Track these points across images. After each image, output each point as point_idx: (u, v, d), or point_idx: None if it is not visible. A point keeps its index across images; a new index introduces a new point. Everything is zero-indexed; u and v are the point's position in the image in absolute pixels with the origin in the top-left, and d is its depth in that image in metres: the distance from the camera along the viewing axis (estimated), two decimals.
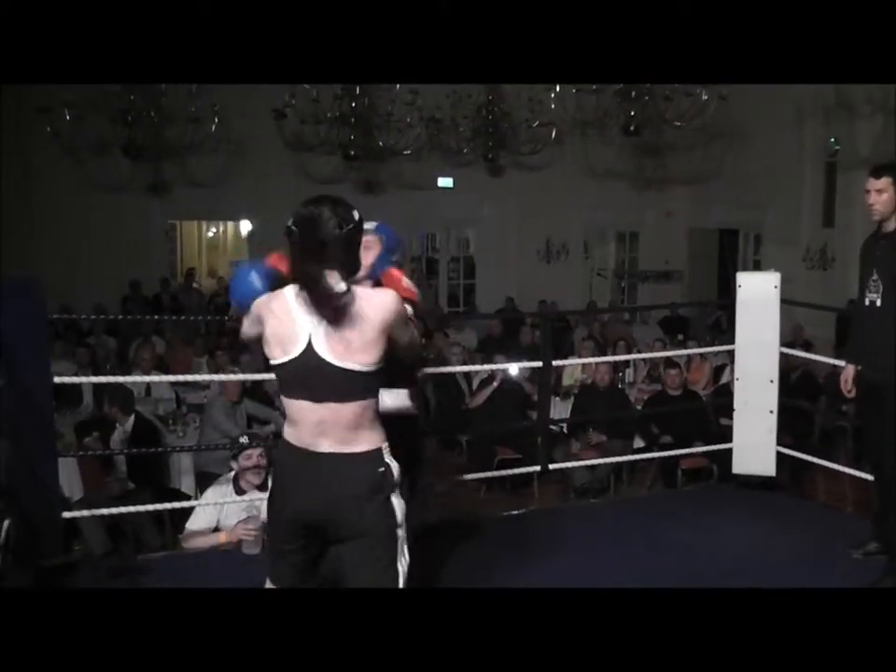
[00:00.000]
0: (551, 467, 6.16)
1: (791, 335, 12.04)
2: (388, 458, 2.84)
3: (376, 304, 2.76)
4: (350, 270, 2.77)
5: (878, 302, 4.57)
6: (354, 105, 11.86)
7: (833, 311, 11.95)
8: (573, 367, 9.42)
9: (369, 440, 2.82)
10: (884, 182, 4.47)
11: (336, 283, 2.70)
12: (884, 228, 4.58)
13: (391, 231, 3.63)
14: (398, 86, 11.59)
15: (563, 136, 13.58)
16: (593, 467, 7.82)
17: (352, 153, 12.50)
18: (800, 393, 9.69)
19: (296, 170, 14.22)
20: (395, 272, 3.26)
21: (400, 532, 2.83)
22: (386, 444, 2.85)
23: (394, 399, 3.61)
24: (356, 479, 2.78)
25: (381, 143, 12.72)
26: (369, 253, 3.29)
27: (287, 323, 2.75)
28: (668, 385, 8.46)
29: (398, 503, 2.83)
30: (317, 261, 2.71)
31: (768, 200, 15.10)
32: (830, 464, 6.49)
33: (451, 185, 15.94)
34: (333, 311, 2.70)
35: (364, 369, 2.74)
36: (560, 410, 8.91)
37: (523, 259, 16.58)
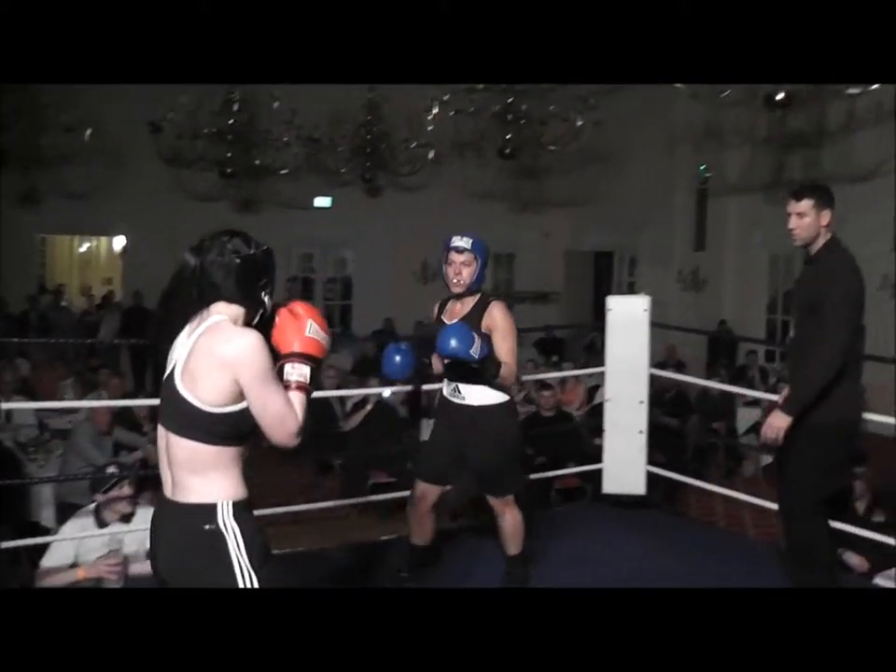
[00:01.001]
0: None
1: (665, 355, 12.33)
2: (226, 518, 2.57)
3: (227, 341, 2.53)
4: (241, 300, 2.64)
5: (791, 334, 4.51)
6: (232, 121, 11.70)
7: (702, 333, 12.29)
8: None
9: (203, 491, 2.57)
10: (805, 205, 4.15)
11: (215, 314, 2.61)
12: (810, 252, 4.27)
13: (483, 246, 4.26)
14: (276, 103, 11.49)
15: (441, 158, 13.67)
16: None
17: (229, 171, 12.34)
18: (673, 412, 9.92)
19: (172, 185, 13.95)
20: (299, 312, 2.72)
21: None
22: (232, 503, 2.57)
23: None
24: (179, 532, 2.60)
25: (258, 161, 12.59)
26: (466, 269, 4.24)
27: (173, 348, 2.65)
28: (542, 406, 8.53)
29: (239, 569, 2.56)
30: (199, 292, 2.61)
31: (642, 224, 15.48)
32: (699, 482, 6.63)
33: (328, 205, 15.88)
34: (195, 341, 2.57)
35: (203, 406, 2.52)
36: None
37: (400, 280, 16.57)
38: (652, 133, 14.50)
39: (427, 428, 8.93)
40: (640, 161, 15.07)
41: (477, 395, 4.37)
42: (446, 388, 4.53)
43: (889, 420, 4.87)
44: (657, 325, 6.12)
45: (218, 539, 2.55)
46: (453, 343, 3.97)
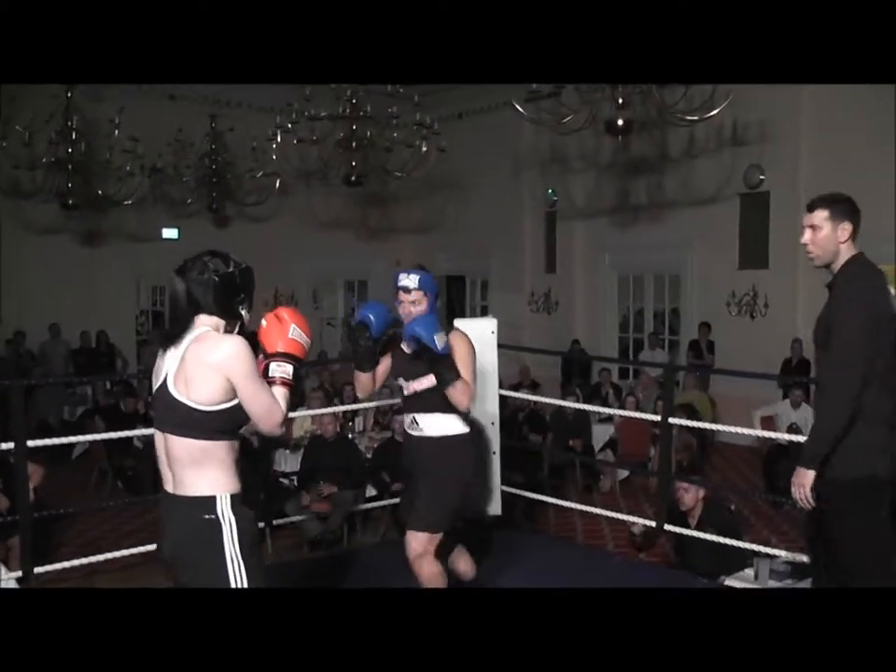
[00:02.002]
0: (276, 522, 6.01)
1: (519, 376, 12.47)
2: (224, 509, 2.90)
3: (215, 348, 2.89)
4: (220, 313, 3.01)
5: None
6: (70, 150, 11.33)
7: (553, 353, 12.47)
8: (303, 418, 9.29)
9: (202, 485, 2.91)
10: (818, 217, 3.70)
11: (199, 326, 2.98)
12: (831, 273, 3.76)
13: (430, 280, 4.28)
14: (116, 132, 11.18)
15: (287, 187, 13.59)
16: (325, 518, 7.73)
17: (70, 202, 11.89)
18: (528, 431, 10.03)
19: (12, 217, 13.38)
20: (284, 317, 3.15)
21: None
22: (229, 495, 2.92)
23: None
24: (179, 523, 2.93)
25: (100, 192, 12.21)
26: (416, 307, 4.25)
27: (160, 360, 3.03)
28: (397, 431, 8.49)
29: (230, 558, 2.88)
30: (183, 306, 3.00)
31: (492, 248, 15.66)
32: (554, 500, 6.70)
33: (176, 236, 15.51)
34: (184, 351, 2.93)
35: (199, 407, 2.87)
36: (291, 462, 8.76)
37: (252, 311, 16.29)
38: (499, 159, 14.72)
39: (285, 459, 8.81)
40: (488, 186, 15.27)
41: (435, 426, 4.34)
42: (406, 422, 4.48)
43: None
44: (505, 346, 6.16)
45: (216, 528, 2.88)
46: (418, 328, 4.05)
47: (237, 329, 3.07)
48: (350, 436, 9.18)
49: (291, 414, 8.80)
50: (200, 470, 2.91)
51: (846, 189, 10.73)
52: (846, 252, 3.66)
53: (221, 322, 3.03)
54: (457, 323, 5.99)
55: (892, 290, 3.70)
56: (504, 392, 6.27)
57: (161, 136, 12.10)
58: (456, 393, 4.16)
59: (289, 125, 10.69)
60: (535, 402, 9.79)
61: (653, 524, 5.83)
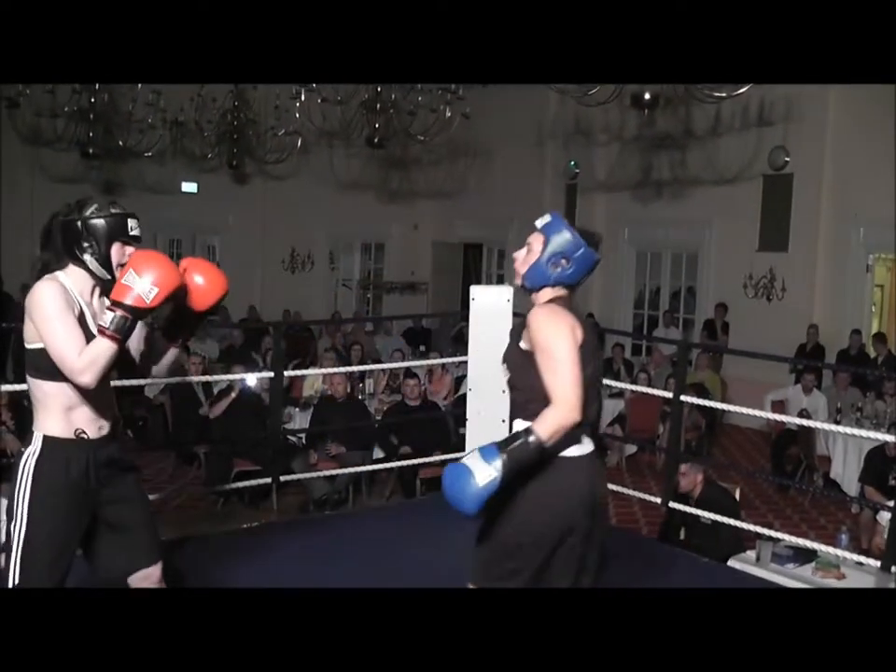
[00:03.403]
0: (283, 478, 6.03)
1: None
2: (32, 449, 2.98)
3: (29, 293, 2.95)
4: (56, 255, 3.05)
5: None
6: (93, 100, 11.30)
7: None
8: (314, 377, 9.32)
9: (35, 422, 3.02)
10: None
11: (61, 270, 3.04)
12: None
13: (559, 230, 3.07)
14: (139, 84, 11.14)
15: (309, 146, 13.52)
16: (332, 478, 7.76)
17: (91, 151, 11.87)
18: None
19: (31, 166, 13.39)
20: (146, 255, 2.94)
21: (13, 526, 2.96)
22: (42, 436, 2.97)
23: None
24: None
25: (121, 142, 12.18)
26: (528, 255, 3.11)
27: None
28: (407, 395, 8.51)
29: (18, 498, 2.96)
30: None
31: (511, 216, 15.57)
32: None
33: (195, 190, 15.52)
34: None
35: (25, 344, 2.98)
36: (300, 420, 8.80)
37: (267, 269, 16.31)
38: (522, 128, 14.61)
39: (295, 417, 8.85)
40: (510, 154, 15.17)
41: None
42: None
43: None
44: (520, 315, 6.13)
45: (19, 465, 2.98)
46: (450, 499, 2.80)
47: (95, 279, 3.04)
48: (361, 397, 9.20)
49: (301, 372, 8.94)
50: (35, 408, 3.01)
51: (870, 175, 10.71)
52: None
53: (77, 271, 3.03)
54: (473, 290, 6.01)
55: None
56: None
57: (184, 90, 12.02)
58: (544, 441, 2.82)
59: (314, 84, 10.62)
60: None
61: (658, 500, 5.84)
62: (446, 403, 9.50)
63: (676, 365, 7.11)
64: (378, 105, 10.79)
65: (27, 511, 2.94)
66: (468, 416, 6.01)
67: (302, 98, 11.03)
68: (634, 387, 8.33)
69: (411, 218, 17.28)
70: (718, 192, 12.57)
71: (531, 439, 2.75)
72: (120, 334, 2.85)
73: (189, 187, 15.47)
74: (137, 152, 12.47)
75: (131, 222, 3.07)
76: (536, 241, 3.09)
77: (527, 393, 3.01)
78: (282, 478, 5.97)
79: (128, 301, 2.83)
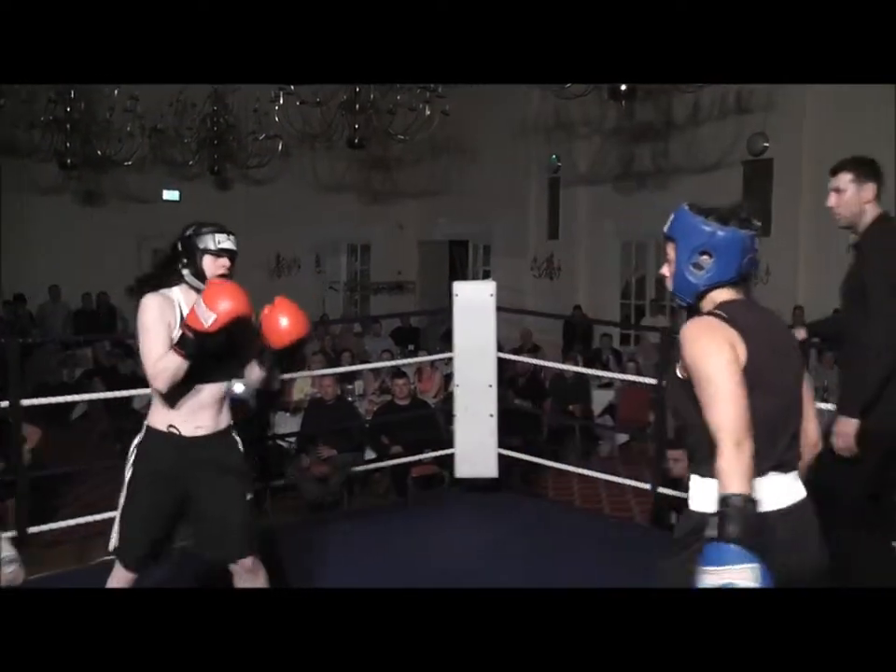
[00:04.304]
0: (275, 484, 6.05)
1: (521, 340, 12.48)
2: (140, 434, 3.52)
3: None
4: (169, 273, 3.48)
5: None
6: (69, 109, 11.26)
7: (552, 316, 12.45)
8: (303, 381, 9.32)
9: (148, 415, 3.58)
10: (843, 179, 3.82)
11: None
12: (857, 232, 3.84)
13: (685, 225, 2.56)
14: (115, 91, 11.11)
15: (290, 149, 13.50)
16: (325, 480, 7.77)
17: (69, 161, 11.84)
18: (527, 396, 10.05)
19: (11, 177, 13.33)
20: (216, 285, 3.29)
21: None
22: (147, 427, 3.50)
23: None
24: None
25: (100, 152, 12.14)
26: (668, 268, 2.63)
27: None
28: (396, 395, 8.52)
29: (127, 466, 3.51)
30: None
31: (495, 213, 15.60)
32: (549, 462, 6.75)
33: (177, 198, 15.48)
34: None
35: None
36: (291, 425, 8.79)
37: (253, 274, 16.15)
38: (503, 123, 14.61)
39: (285, 422, 8.84)
40: (491, 150, 15.17)
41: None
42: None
43: None
44: (503, 309, 6.17)
45: (131, 448, 3.53)
46: None
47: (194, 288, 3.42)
48: (350, 399, 9.20)
49: (290, 375, 8.90)
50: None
51: (848, 154, 10.68)
52: (871, 212, 3.78)
53: (184, 283, 3.46)
54: (456, 286, 6.03)
55: None
56: (502, 355, 6.27)
57: (162, 96, 12.00)
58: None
59: (291, 87, 10.62)
60: (536, 366, 9.81)
61: (648, 486, 5.87)
62: (436, 401, 9.51)
63: (661, 352, 7.13)
64: (357, 106, 10.79)
65: (126, 486, 3.47)
66: (455, 412, 6.05)
67: (281, 101, 11.02)
68: (622, 376, 8.37)
69: (395, 218, 17.27)
70: (699, 180, 12.59)
71: (735, 506, 2.19)
72: (184, 349, 3.23)
73: (170, 195, 15.42)
74: (117, 161, 12.43)
75: (218, 236, 3.42)
76: (669, 249, 2.59)
77: (691, 434, 2.49)
78: (274, 483, 5.98)
79: (190, 322, 3.21)
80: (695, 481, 2.49)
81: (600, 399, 10.66)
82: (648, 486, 5.88)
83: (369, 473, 8.39)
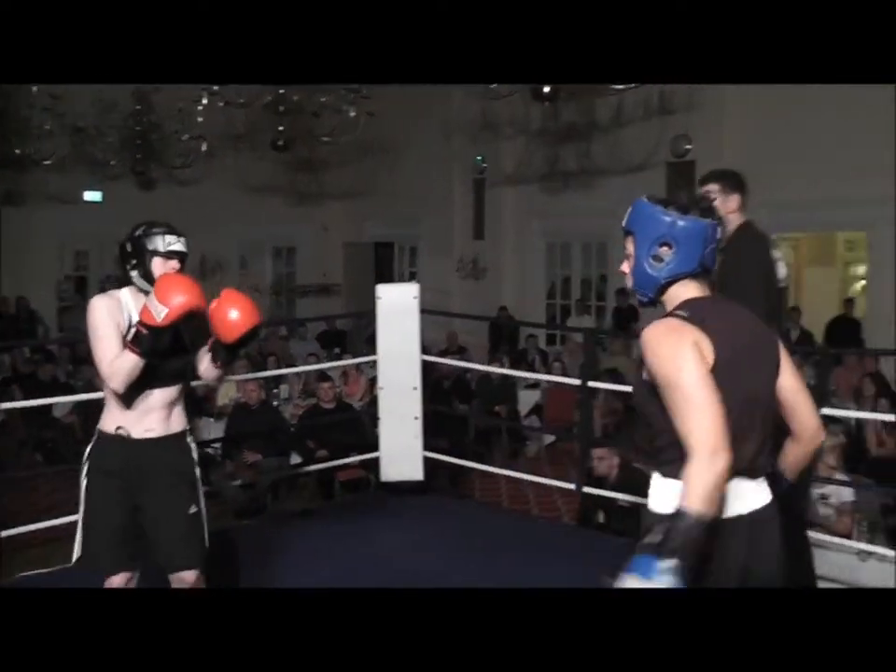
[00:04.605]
0: None
1: (447, 342, 12.49)
2: (94, 438, 3.49)
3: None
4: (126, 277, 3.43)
5: None
6: None
7: (477, 318, 12.47)
8: (227, 385, 9.21)
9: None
10: (710, 189, 4.06)
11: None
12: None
13: (643, 215, 2.46)
14: (35, 89, 10.87)
15: (215, 150, 13.35)
16: (250, 486, 7.69)
17: None
18: (453, 398, 10.06)
19: None
20: (168, 278, 3.27)
21: None
22: (98, 431, 3.48)
23: None
24: None
25: (18, 150, 11.88)
26: (628, 263, 2.52)
27: None
28: (322, 398, 8.46)
29: (81, 473, 3.48)
30: None
31: (421, 214, 15.61)
32: (474, 464, 6.76)
33: (99, 199, 15.20)
34: None
35: None
36: (215, 430, 8.69)
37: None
38: (428, 124, 14.61)
39: (209, 427, 8.74)
40: (417, 151, 15.16)
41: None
42: None
43: None
44: (427, 312, 6.16)
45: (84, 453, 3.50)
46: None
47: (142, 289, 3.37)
48: (275, 403, 9.12)
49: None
50: None
51: (770, 159, 10.95)
52: (735, 221, 4.04)
53: (133, 285, 3.41)
54: (379, 289, 6.01)
55: (777, 254, 4.14)
56: (426, 357, 6.27)
57: (84, 94, 11.76)
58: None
59: (216, 87, 10.50)
60: (462, 368, 9.82)
61: (573, 486, 5.90)
62: (362, 404, 9.47)
63: (585, 352, 7.19)
64: (281, 108, 10.72)
65: (83, 494, 3.43)
66: (380, 415, 6.02)
67: (205, 101, 10.89)
68: (548, 377, 8.40)
69: (321, 220, 17.18)
70: (623, 181, 12.71)
71: (684, 523, 2.12)
72: (138, 347, 3.19)
73: (92, 195, 15.14)
74: (36, 160, 12.18)
75: (168, 238, 3.37)
76: (628, 243, 2.50)
77: (659, 437, 2.38)
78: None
79: (143, 318, 3.17)
80: (656, 479, 2.41)
81: (527, 399, 10.70)
82: (573, 486, 5.90)
83: (295, 478, 8.32)
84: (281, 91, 10.60)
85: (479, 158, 14.92)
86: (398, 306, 5.82)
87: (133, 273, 3.37)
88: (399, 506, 6.07)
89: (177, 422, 3.50)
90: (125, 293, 3.40)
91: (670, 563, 2.10)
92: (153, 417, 3.41)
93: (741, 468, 2.29)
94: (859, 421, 7.83)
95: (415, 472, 6.05)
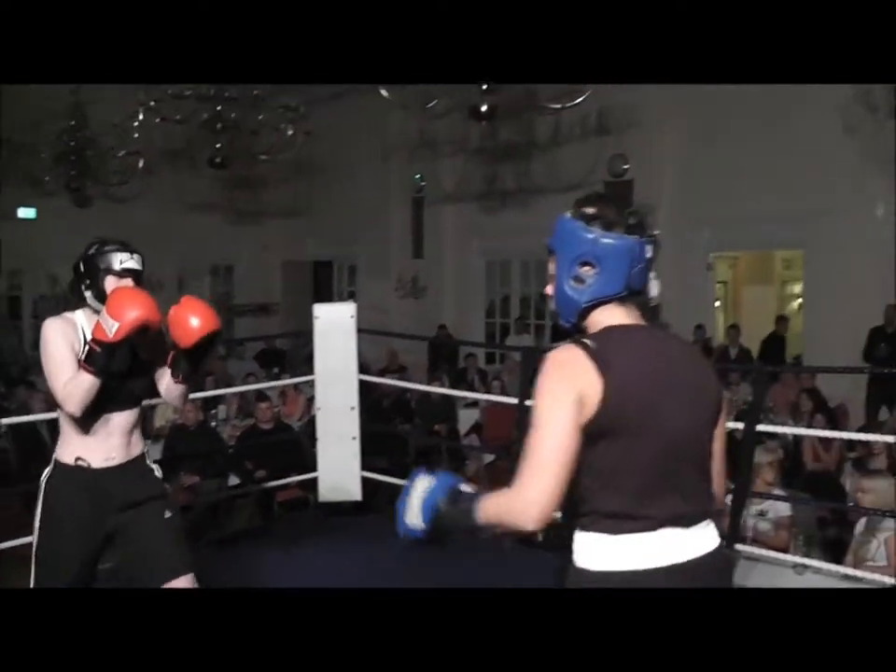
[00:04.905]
0: None
1: (387, 361, 12.46)
2: (47, 474, 3.35)
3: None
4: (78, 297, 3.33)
5: None
6: None
7: (416, 338, 12.47)
8: (164, 407, 9.09)
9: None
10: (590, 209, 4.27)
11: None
12: None
13: (564, 233, 2.25)
14: None
15: (152, 167, 13.21)
16: (188, 508, 7.59)
17: None
18: (393, 416, 10.03)
19: None
20: (120, 291, 3.17)
21: None
22: (55, 462, 3.35)
23: None
24: None
25: None
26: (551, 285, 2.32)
27: None
28: (260, 418, 8.39)
29: (36, 519, 3.36)
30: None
31: (360, 233, 15.61)
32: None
33: (33, 215, 14.94)
34: None
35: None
36: (152, 452, 8.54)
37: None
38: (367, 143, 14.64)
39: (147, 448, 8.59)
40: (356, 170, 15.18)
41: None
42: None
43: None
44: (364, 331, 6.16)
45: (39, 484, 3.35)
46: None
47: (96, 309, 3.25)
48: (213, 424, 9.02)
49: (151, 402, 8.67)
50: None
51: (707, 178, 11.11)
52: None
53: (86, 306, 3.32)
54: (316, 308, 5.98)
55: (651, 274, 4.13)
56: (364, 377, 6.26)
57: (16, 108, 11.55)
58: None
59: (152, 103, 10.40)
60: (402, 387, 9.80)
61: None
62: (300, 424, 9.40)
63: (523, 371, 7.20)
64: (219, 125, 10.65)
65: (37, 525, 3.32)
66: (318, 436, 6.00)
67: (141, 117, 10.78)
68: (487, 397, 8.41)
69: (260, 239, 17.09)
70: (562, 199, 12.68)
71: (465, 516, 2.15)
72: (92, 366, 3.09)
73: (26, 212, 14.87)
74: None
75: (121, 255, 3.29)
76: (550, 264, 2.29)
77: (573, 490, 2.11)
78: None
79: (95, 334, 3.08)
80: (577, 534, 2.20)
81: (466, 418, 10.69)
82: None
83: (233, 499, 8.24)
84: (218, 108, 10.53)
85: (417, 176, 14.97)
86: (335, 326, 5.81)
87: (87, 294, 3.29)
88: (337, 526, 6.05)
89: (137, 446, 3.43)
90: (79, 315, 3.31)
91: (433, 521, 2.17)
92: (113, 443, 3.33)
93: (663, 519, 2.08)
94: (796, 436, 7.93)
95: (354, 492, 6.03)
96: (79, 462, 3.28)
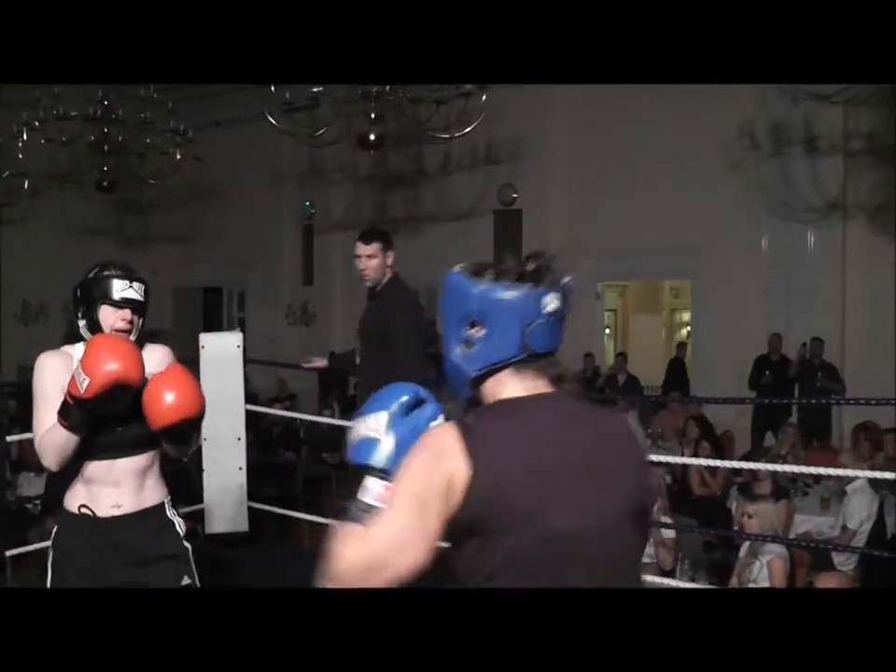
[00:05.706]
0: (12, 552, 5.73)
1: (277, 389, 12.40)
2: (56, 520, 3.13)
3: None
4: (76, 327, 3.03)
5: (357, 360, 4.98)
6: None
7: (299, 368, 12.41)
8: None
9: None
10: (374, 248, 4.76)
11: None
12: (375, 289, 4.87)
13: (449, 291, 1.89)
14: None
15: (39, 189, 12.93)
16: None
17: None
18: (282, 446, 9.99)
19: None
20: (98, 341, 2.85)
21: None
22: (62, 510, 3.06)
23: None
24: None
25: None
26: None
27: None
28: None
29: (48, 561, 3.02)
30: None
31: (250, 259, 15.53)
32: (298, 514, 6.74)
33: None
34: None
35: None
36: (35, 486, 8.37)
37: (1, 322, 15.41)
38: (257, 169, 14.61)
39: (30, 483, 8.41)
40: (246, 196, 15.12)
41: None
42: None
43: None
44: (252, 361, 6.15)
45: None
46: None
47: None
48: None
49: (25, 436, 8.41)
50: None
51: (595, 209, 11.38)
52: (389, 274, 4.80)
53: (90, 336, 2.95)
54: (202, 338, 5.95)
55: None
56: (250, 407, 6.24)
57: None
58: None
59: (36, 123, 10.22)
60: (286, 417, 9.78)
61: None
62: (190, 454, 9.29)
63: None
64: (106, 147, 10.52)
65: (49, 575, 2.98)
66: (204, 467, 5.95)
67: (25, 137, 10.57)
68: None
69: (149, 264, 16.78)
70: (451, 228, 12.95)
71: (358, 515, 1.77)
72: (66, 420, 2.76)
73: None
74: None
75: (118, 283, 2.92)
76: (440, 326, 1.94)
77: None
78: (13, 551, 5.67)
79: (70, 387, 2.74)
80: None
81: None
82: None
83: None
84: (105, 130, 10.40)
85: (307, 203, 14.97)
86: (221, 355, 5.78)
87: (81, 324, 2.96)
88: (225, 558, 5.98)
89: (152, 494, 3.05)
90: (79, 349, 2.92)
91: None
92: (120, 491, 2.97)
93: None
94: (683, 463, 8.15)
95: (241, 523, 6.00)
96: (83, 510, 2.95)
